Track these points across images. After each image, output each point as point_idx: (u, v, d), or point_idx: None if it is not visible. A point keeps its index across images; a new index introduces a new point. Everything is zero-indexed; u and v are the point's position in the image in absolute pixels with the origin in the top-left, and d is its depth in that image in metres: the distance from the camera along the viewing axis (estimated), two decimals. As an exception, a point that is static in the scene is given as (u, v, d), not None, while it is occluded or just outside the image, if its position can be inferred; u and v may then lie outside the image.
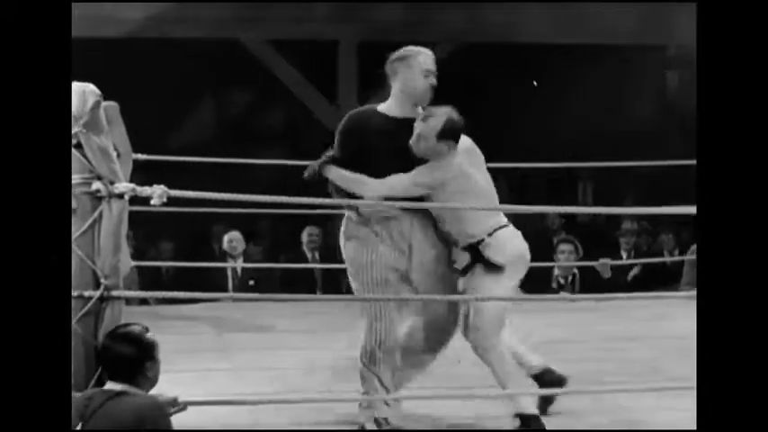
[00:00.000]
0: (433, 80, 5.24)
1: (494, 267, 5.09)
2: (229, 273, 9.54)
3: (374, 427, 5.10)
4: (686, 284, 8.99)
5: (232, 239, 9.66)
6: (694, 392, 5.15)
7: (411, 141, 5.07)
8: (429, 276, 5.19)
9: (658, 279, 9.63)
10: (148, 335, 4.12)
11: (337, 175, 5.12)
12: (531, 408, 5.14)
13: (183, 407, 4.29)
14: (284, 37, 10.28)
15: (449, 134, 5.08)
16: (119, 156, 4.81)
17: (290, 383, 5.94)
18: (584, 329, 6.92)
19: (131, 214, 5.20)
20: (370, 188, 5.06)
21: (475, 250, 5.12)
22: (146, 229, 10.53)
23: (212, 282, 9.31)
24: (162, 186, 4.54)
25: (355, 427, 5.15)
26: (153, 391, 4.12)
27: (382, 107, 5.25)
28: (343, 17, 10.22)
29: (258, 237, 11.19)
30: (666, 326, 7.24)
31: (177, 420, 4.24)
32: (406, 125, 5.11)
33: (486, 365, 5.14)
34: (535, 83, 13.62)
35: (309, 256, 10.10)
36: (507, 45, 10.90)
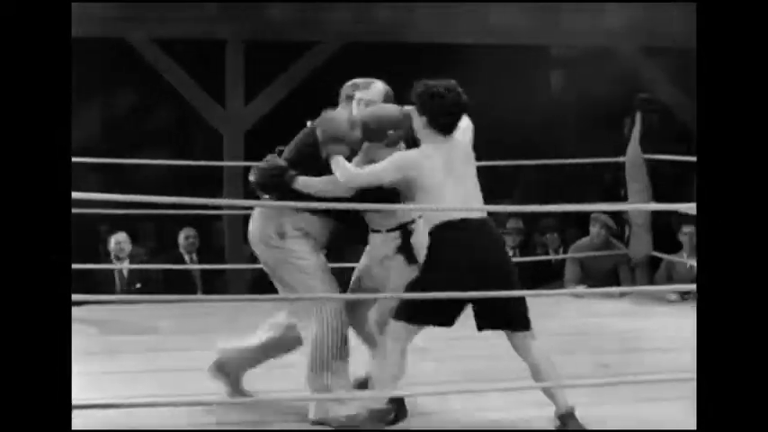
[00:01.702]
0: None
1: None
2: (116, 275, 9.42)
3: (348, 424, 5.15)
4: (569, 281, 9.16)
5: (119, 241, 9.50)
6: (577, 389, 5.28)
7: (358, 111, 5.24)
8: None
9: (543, 277, 9.78)
10: None
11: (306, 183, 5.15)
12: None
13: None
14: (171, 36, 10.20)
15: (392, 101, 5.36)
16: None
17: (181, 385, 5.91)
18: (468, 327, 6.98)
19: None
20: (345, 184, 5.07)
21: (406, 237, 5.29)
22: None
23: (98, 284, 9.20)
24: (46, 188, 4.50)
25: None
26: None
27: None
28: (230, 16, 10.18)
29: (142, 238, 11.09)
30: (548, 323, 7.34)
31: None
32: None
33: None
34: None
35: (187, 258, 10.03)
36: (396, 44, 10.96)
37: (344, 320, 5.22)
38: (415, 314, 5.04)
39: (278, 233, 5.21)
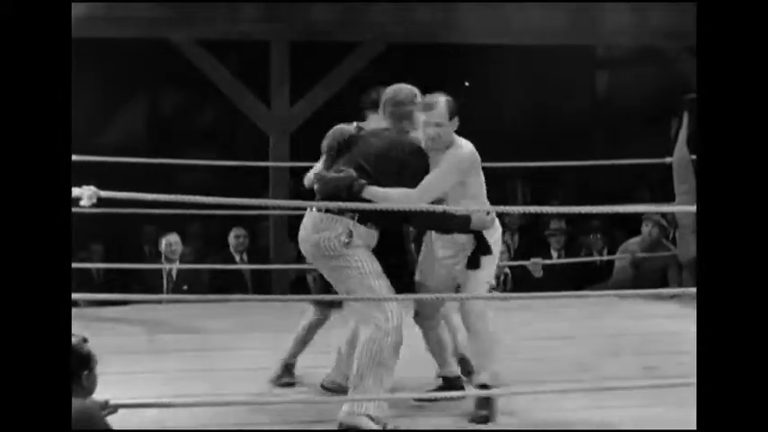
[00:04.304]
0: None
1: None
2: (165, 276, 9.39)
3: (374, 426, 5.06)
4: (614, 284, 9.08)
5: (171, 243, 9.43)
6: (623, 391, 5.24)
7: (426, 133, 5.24)
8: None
9: (587, 278, 9.71)
10: (86, 346, 4.11)
11: (374, 193, 5.15)
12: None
13: (113, 409, 4.28)
14: (215, 37, 10.23)
15: (456, 112, 5.30)
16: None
17: (222, 384, 5.92)
18: (515, 328, 6.96)
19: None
20: (408, 199, 5.14)
21: (481, 238, 5.36)
22: (76, 231, 10.38)
23: (144, 283, 9.22)
24: (92, 187, 4.52)
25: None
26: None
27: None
28: (274, 17, 10.18)
29: (189, 239, 11.10)
30: (595, 325, 7.30)
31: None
32: None
33: None
34: (467, 83, 13.68)
35: (237, 258, 10.00)
36: (439, 45, 10.93)
37: (400, 325, 5.16)
38: None
39: (343, 241, 5.16)
